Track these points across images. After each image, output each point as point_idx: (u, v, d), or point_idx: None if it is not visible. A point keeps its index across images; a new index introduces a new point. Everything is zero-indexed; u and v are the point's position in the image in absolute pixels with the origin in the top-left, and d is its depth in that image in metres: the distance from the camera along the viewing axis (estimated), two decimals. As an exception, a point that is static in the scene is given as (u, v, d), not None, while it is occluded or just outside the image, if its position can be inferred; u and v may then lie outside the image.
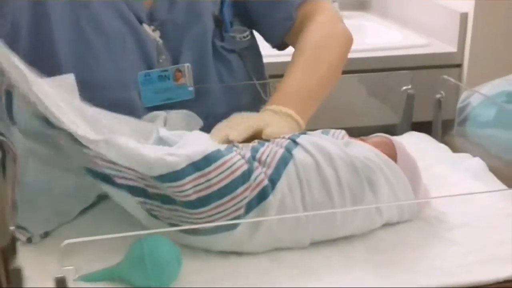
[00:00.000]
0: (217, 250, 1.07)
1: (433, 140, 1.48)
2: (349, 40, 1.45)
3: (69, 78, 1.29)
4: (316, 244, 1.10)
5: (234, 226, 1.05)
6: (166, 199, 1.05)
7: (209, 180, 1.03)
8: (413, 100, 1.51)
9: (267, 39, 1.52)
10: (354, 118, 1.37)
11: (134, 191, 1.06)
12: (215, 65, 1.40)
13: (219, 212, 1.04)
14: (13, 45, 1.22)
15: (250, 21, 1.48)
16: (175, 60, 1.38)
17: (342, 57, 1.43)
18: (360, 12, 2.70)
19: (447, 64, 2.25)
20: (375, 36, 2.49)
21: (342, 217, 1.09)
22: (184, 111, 1.34)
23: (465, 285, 1.01)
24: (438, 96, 1.49)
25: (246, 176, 1.06)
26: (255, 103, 1.41)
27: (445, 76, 1.48)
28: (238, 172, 1.05)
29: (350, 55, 1.44)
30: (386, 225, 1.16)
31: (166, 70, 1.37)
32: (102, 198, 1.23)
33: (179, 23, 1.38)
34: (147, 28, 1.36)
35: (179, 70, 1.36)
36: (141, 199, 1.06)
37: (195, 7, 1.39)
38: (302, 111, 1.28)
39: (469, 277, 1.02)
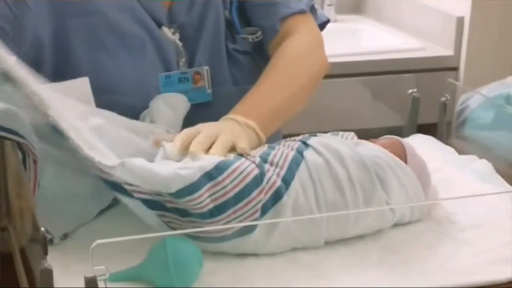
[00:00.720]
0: (236, 253, 1.09)
1: (438, 142, 1.51)
2: (324, 67, 1.44)
3: (84, 82, 1.30)
4: (331, 244, 1.12)
5: (251, 230, 1.07)
6: (184, 212, 1.06)
7: (224, 187, 1.05)
8: (419, 103, 1.53)
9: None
10: (360, 120, 1.39)
11: (151, 204, 1.08)
12: (228, 67, 1.41)
13: (236, 218, 1.06)
14: (35, 60, 1.24)
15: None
16: (191, 63, 1.40)
17: (314, 82, 1.41)
18: (355, 15, 2.71)
19: (443, 67, 2.28)
20: (371, 39, 2.51)
21: (355, 214, 1.11)
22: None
23: (478, 285, 1.03)
24: (443, 99, 1.51)
25: (258, 180, 1.08)
26: None
27: (451, 80, 1.51)
28: (251, 176, 1.07)
29: (349, 58, 1.46)
30: (399, 225, 1.18)
31: (186, 73, 1.38)
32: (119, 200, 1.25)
33: (196, 25, 1.40)
34: (166, 31, 1.38)
35: (198, 73, 1.38)
36: (160, 212, 1.08)
37: (210, 8, 1.41)
38: (264, 126, 1.26)
39: (483, 276, 1.04)
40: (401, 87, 1.55)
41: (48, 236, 1.09)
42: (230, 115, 1.26)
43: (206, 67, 1.38)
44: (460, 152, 1.46)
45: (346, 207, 1.11)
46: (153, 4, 1.36)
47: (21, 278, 1.09)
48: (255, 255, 1.09)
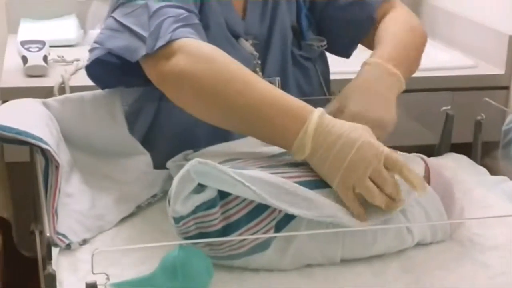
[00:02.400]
0: (251, 268, 1.09)
1: (471, 162, 1.48)
2: (425, 34, 1.46)
3: (114, 93, 1.34)
4: (348, 261, 1.11)
5: (265, 248, 1.07)
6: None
7: (237, 205, 1.05)
8: (453, 121, 1.51)
9: (340, 46, 1.54)
10: (393, 137, 1.37)
11: None
12: (293, 73, 1.44)
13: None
14: None
15: (323, 31, 1.51)
16: (262, 71, 1.42)
17: (422, 47, 1.43)
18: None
19: (494, 86, 2.23)
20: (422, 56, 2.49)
21: (372, 235, 1.10)
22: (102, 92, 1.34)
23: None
24: (478, 118, 1.49)
25: None
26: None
27: (486, 99, 1.48)
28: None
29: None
30: (420, 245, 1.16)
31: None
32: (142, 208, 1.27)
33: (266, 35, 1.43)
34: (244, 43, 1.40)
35: (270, 83, 1.39)
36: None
37: (277, 18, 1.44)
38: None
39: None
40: (440, 105, 1.52)
41: (66, 241, 1.12)
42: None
43: (278, 78, 1.41)
44: (505, 173, 1.43)
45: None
46: (231, 16, 1.40)
47: (42, 281, 1.13)
48: (269, 269, 1.09)
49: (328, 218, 1.06)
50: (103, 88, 1.35)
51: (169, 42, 1.19)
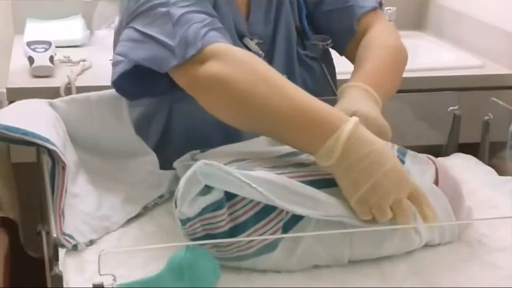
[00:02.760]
0: (258, 270, 1.09)
1: (479, 162, 1.47)
2: (405, 55, 1.44)
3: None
4: (356, 262, 1.11)
5: (272, 249, 1.06)
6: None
7: (244, 206, 1.05)
8: (460, 121, 1.50)
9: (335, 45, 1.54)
10: (400, 137, 1.36)
11: None
12: (300, 73, 1.44)
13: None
14: None
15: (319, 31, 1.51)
16: None
17: (401, 68, 1.42)
18: (416, 31, 2.69)
19: (501, 86, 2.23)
20: (429, 56, 2.48)
21: (380, 235, 1.10)
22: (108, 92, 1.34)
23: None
24: (486, 118, 1.48)
25: None
26: None
27: (494, 99, 1.48)
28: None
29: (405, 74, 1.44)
30: (428, 246, 1.16)
31: None
32: (148, 209, 1.27)
33: (270, 35, 1.43)
34: (249, 42, 1.40)
35: None
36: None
37: (281, 19, 1.44)
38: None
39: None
40: (447, 105, 1.52)
41: (73, 242, 1.12)
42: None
43: (285, 76, 1.39)
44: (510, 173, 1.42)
45: (370, 227, 1.10)
46: (236, 17, 1.39)
47: (49, 282, 1.13)
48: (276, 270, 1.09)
49: (335, 218, 1.05)
50: (131, 100, 1.33)
51: (201, 49, 1.18)
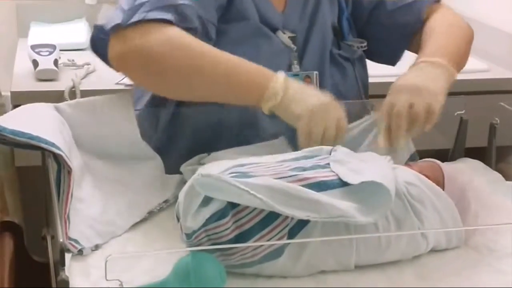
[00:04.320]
0: (264, 275, 1.08)
1: (485, 167, 1.47)
2: (471, 31, 1.51)
3: (126, 95, 1.33)
4: (363, 267, 1.10)
5: (278, 255, 1.06)
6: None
7: (249, 213, 1.04)
8: (467, 126, 1.50)
9: (388, 52, 1.58)
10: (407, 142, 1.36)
11: None
12: (330, 71, 1.45)
13: (262, 245, 1.05)
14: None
15: (369, 38, 1.53)
16: (299, 66, 1.44)
17: (468, 40, 1.49)
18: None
19: (507, 90, 2.22)
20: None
21: (386, 240, 1.09)
22: (113, 96, 1.34)
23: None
24: (493, 122, 1.48)
25: None
26: (361, 114, 1.42)
27: (501, 103, 1.47)
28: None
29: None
30: (435, 251, 1.15)
31: (297, 75, 1.41)
32: (153, 214, 1.27)
33: (305, 31, 1.45)
34: (282, 36, 1.42)
35: (308, 76, 1.42)
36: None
37: (318, 16, 1.46)
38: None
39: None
40: (454, 110, 1.52)
41: (78, 247, 1.11)
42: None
43: (316, 72, 1.42)
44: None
45: (376, 232, 1.09)
46: (269, 10, 1.42)
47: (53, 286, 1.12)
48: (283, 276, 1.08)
49: (337, 218, 1.04)
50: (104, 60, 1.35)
51: (141, 21, 1.23)
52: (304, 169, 1.12)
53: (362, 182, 1.06)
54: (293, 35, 1.43)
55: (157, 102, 1.40)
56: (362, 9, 1.53)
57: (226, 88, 1.26)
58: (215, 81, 1.25)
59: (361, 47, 1.50)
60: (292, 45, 1.42)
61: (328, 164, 1.13)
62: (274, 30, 1.42)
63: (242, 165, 1.13)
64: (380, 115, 1.29)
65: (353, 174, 1.08)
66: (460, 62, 1.41)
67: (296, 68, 1.43)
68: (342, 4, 1.51)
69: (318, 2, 1.47)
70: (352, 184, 1.07)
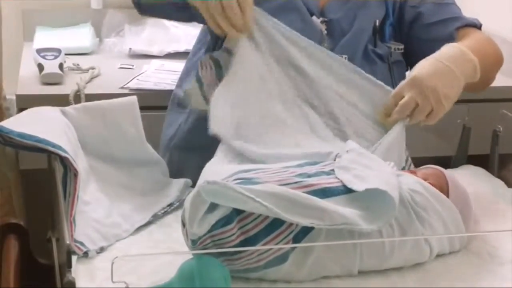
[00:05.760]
0: (268, 280, 1.09)
1: (488, 174, 1.47)
2: (501, 54, 1.52)
3: (132, 101, 1.34)
4: (366, 273, 1.11)
5: (283, 261, 1.07)
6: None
7: (254, 219, 1.05)
8: (469, 133, 1.50)
9: None
10: (410, 148, 1.37)
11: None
12: (361, 63, 1.46)
13: (268, 249, 1.06)
14: None
15: (411, 52, 1.54)
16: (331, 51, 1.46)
17: (497, 61, 1.50)
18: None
19: (509, 98, 2.22)
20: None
21: (390, 246, 1.10)
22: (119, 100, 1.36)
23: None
24: (495, 129, 1.48)
25: None
26: None
27: (504, 111, 1.48)
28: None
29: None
30: (437, 256, 1.16)
31: None
32: (158, 217, 1.27)
33: (345, 24, 1.48)
34: (315, 20, 1.46)
35: None
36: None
37: (362, 15, 1.49)
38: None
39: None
40: (456, 117, 1.52)
41: (83, 249, 1.12)
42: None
43: (345, 56, 1.44)
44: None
45: (380, 238, 1.10)
46: (308, 0, 1.47)
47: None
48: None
49: (341, 226, 1.05)
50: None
51: None
52: (309, 176, 1.13)
53: (367, 190, 1.07)
54: (325, 19, 1.47)
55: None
56: (404, 20, 1.54)
57: None
58: None
59: (398, 49, 1.52)
60: (324, 30, 1.45)
61: (333, 170, 1.14)
62: (311, 14, 1.47)
63: (247, 171, 1.14)
64: (392, 93, 1.34)
65: (357, 181, 1.09)
66: (486, 71, 1.42)
67: (326, 52, 1.44)
68: (389, 10, 1.53)
69: (361, 3, 1.50)
70: (356, 191, 1.08)
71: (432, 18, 1.51)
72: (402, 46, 1.53)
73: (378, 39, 1.51)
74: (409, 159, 1.36)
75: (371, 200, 1.07)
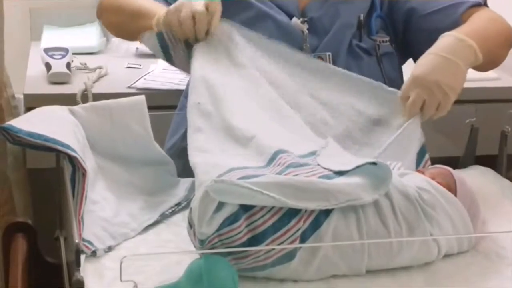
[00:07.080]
0: (276, 279, 1.09)
1: (496, 174, 1.47)
2: (510, 28, 1.49)
3: (140, 100, 1.34)
4: (374, 272, 1.11)
5: (290, 258, 1.07)
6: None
7: (262, 216, 1.05)
8: (477, 134, 1.50)
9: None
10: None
11: None
12: (346, 59, 1.47)
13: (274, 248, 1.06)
14: None
15: (410, 44, 1.54)
16: (314, 50, 1.47)
17: (508, 37, 1.48)
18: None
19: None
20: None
21: (398, 245, 1.10)
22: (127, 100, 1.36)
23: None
24: (504, 130, 1.48)
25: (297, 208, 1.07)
26: None
27: (512, 111, 1.48)
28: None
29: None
30: (445, 256, 1.16)
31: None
32: (166, 216, 1.28)
33: (327, 22, 1.49)
34: (295, 21, 1.47)
35: (320, 57, 1.46)
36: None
37: (344, 10, 1.49)
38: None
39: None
40: (464, 117, 1.52)
41: (92, 248, 1.12)
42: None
43: (329, 53, 1.46)
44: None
45: (388, 237, 1.10)
46: (286, 3, 1.48)
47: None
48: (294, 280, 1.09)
49: (346, 203, 1.07)
50: None
51: None
52: (307, 164, 1.15)
53: (357, 167, 1.10)
54: (305, 19, 1.47)
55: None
56: (397, 16, 1.53)
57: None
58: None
59: (383, 41, 1.52)
60: (305, 30, 1.46)
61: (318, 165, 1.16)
62: (291, 17, 1.47)
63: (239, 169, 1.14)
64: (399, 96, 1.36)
65: (343, 165, 1.12)
66: (490, 52, 1.41)
67: (306, 48, 1.46)
68: (376, 2, 1.53)
69: None
70: (347, 171, 1.10)
71: (428, 8, 1.51)
72: (387, 38, 1.53)
73: (364, 33, 1.51)
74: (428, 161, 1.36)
75: (364, 174, 1.10)
